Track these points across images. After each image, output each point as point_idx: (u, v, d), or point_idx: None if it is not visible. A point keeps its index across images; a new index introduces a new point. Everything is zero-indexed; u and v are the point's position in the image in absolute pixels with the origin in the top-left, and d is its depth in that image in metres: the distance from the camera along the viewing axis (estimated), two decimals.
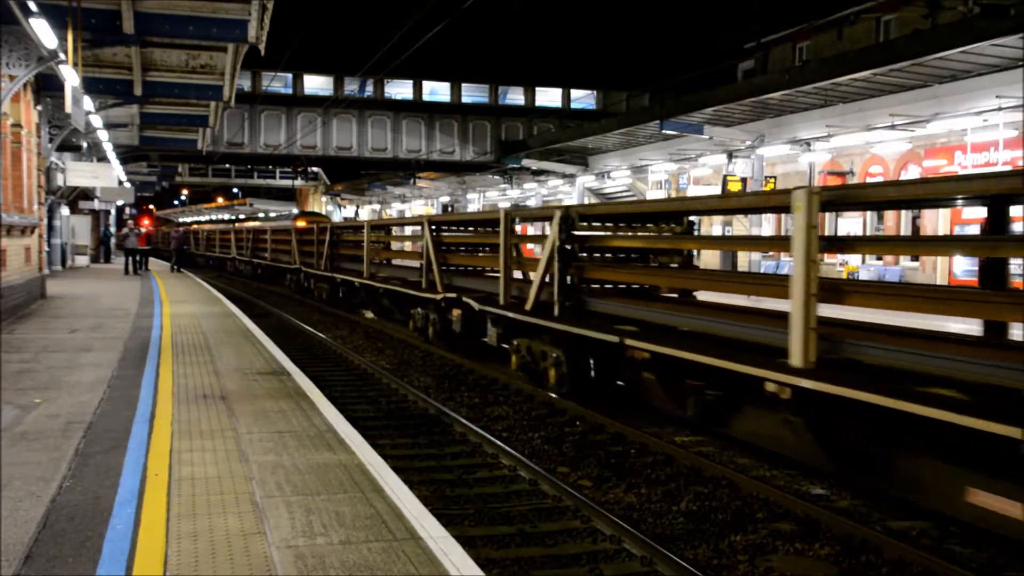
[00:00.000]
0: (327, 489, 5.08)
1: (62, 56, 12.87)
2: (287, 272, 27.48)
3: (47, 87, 18.09)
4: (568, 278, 9.61)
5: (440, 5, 17.59)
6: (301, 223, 32.80)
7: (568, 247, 9.54)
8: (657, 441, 8.06)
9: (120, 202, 42.02)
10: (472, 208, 48.79)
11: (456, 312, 12.71)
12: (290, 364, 9.88)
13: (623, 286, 10.38)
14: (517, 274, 11.32)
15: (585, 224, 9.99)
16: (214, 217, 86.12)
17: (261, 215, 74.30)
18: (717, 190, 27.34)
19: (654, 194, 33.46)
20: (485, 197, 48.61)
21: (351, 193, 65.13)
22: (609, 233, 10.66)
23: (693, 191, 31.59)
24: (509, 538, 5.74)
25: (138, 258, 29.29)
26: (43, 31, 11.41)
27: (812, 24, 34.19)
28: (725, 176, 26.40)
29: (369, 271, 17.83)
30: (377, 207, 65.12)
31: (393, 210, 62.54)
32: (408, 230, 24.45)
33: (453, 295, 12.64)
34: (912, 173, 22.37)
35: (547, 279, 9.77)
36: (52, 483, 5.10)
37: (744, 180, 25.84)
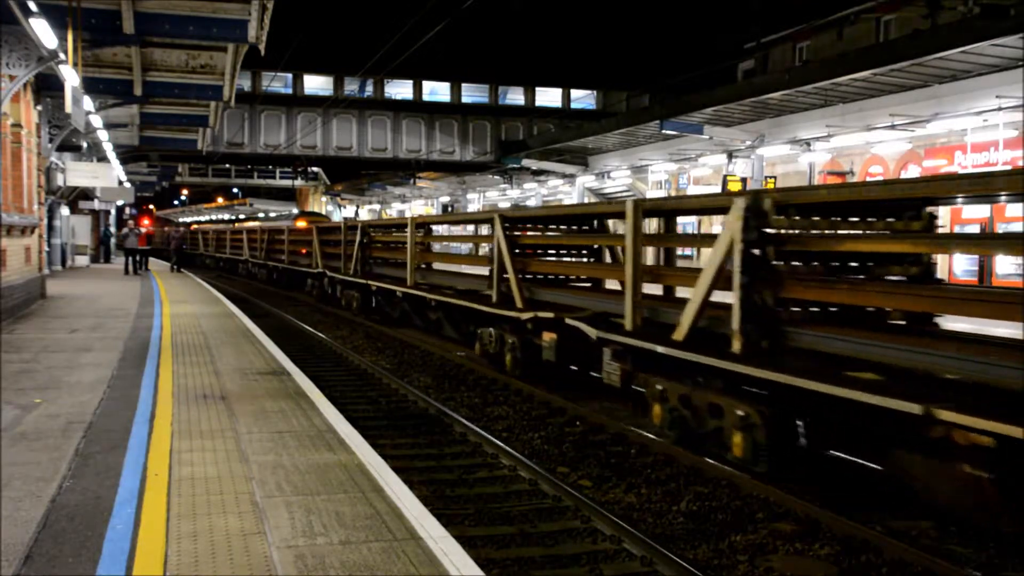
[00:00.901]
0: (327, 489, 5.08)
1: (62, 56, 12.87)
2: (308, 277, 24.39)
3: (47, 87, 18.09)
4: (758, 297, 6.66)
5: (440, 5, 17.54)
6: (301, 223, 32.67)
7: (757, 251, 6.67)
8: (657, 441, 8.05)
9: (120, 202, 42.03)
10: (472, 207, 48.74)
11: (549, 337, 9.93)
12: (290, 364, 9.88)
13: (823, 308, 7.19)
14: (650, 288, 8.76)
15: (782, 218, 6.81)
16: (216, 217, 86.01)
17: (261, 215, 74.30)
18: (718, 190, 27.33)
19: (653, 194, 33.40)
20: (485, 197, 48.61)
21: (351, 193, 65.14)
22: (833, 232, 7.23)
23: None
24: (509, 538, 5.74)
25: (138, 258, 29.29)
26: (43, 31, 11.41)
27: (812, 24, 34.18)
28: (725, 176, 26.41)
29: (415, 279, 14.88)
30: (377, 207, 65.10)
31: (393, 210, 62.51)
32: (451, 228, 24.07)
33: (548, 315, 9.72)
34: (912, 173, 22.36)
35: (711, 296, 7.22)
36: (52, 483, 5.10)
37: (744, 180, 25.84)
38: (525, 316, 10.24)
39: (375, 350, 14.65)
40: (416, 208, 59.40)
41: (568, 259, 12.22)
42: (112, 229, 41.76)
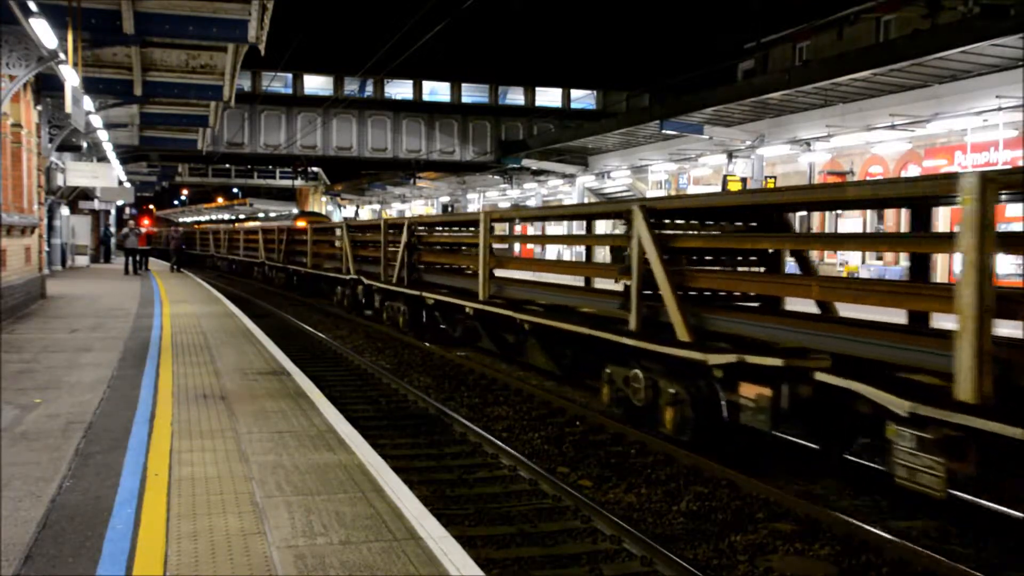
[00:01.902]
0: (327, 489, 5.08)
1: (62, 56, 12.88)
2: (337, 284, 20.96)
3: (47, 87, 18.09)
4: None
5: (440, 5, 17.53)
6: (301, 223, 32.35)
7: None
8: (657, 441, 8.06)
9: (120, 202, 42.04)
10: (472, 207, 48.63)
11: (757, 393, 6.71)
12: (290, 364, 9.88)
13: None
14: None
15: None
16: (215, 217, 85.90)
17: (261, 215, 74.29)
18: (718, 189, 27.34)
19: (653, 194, 33.42)
20: (485, 197, 48.62)
21: (351, 193, 65.17)
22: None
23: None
24: (509, 538, 5.73)
25: (138, 258, 29.30)
26: (43, 31, 11.41)
27: (812, 24, 34.21)
28: (725, 176, 26.42)
29: (489, 290, 11.90)
30: (377, 207, 65.08)
31: (393, 210, 62.50)
32: (536, 227, 22.69)
33: (769, 361, 6.51)
34: (912, 173, 22.37)
35: None
36: (52, 483, 5.09)
37: (744, 180, 25.85)
38: (714, 360, 6.92)
39: (375, 350, 14.65)
40: (416, 208, 59.29)
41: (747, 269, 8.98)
42: (112, 229, 41.77)
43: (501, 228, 31.80)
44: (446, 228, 16.63)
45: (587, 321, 9.15)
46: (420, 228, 15.97)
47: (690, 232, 8.96)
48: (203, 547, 4.14)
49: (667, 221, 8.62)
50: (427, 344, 14.42)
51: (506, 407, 9.90)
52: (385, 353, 14.28)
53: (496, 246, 12.46)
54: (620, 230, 9.13)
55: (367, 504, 4.83)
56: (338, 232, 21.61)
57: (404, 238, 15.43)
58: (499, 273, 12.30)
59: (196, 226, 61.76)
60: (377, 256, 17.43)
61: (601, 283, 10.91)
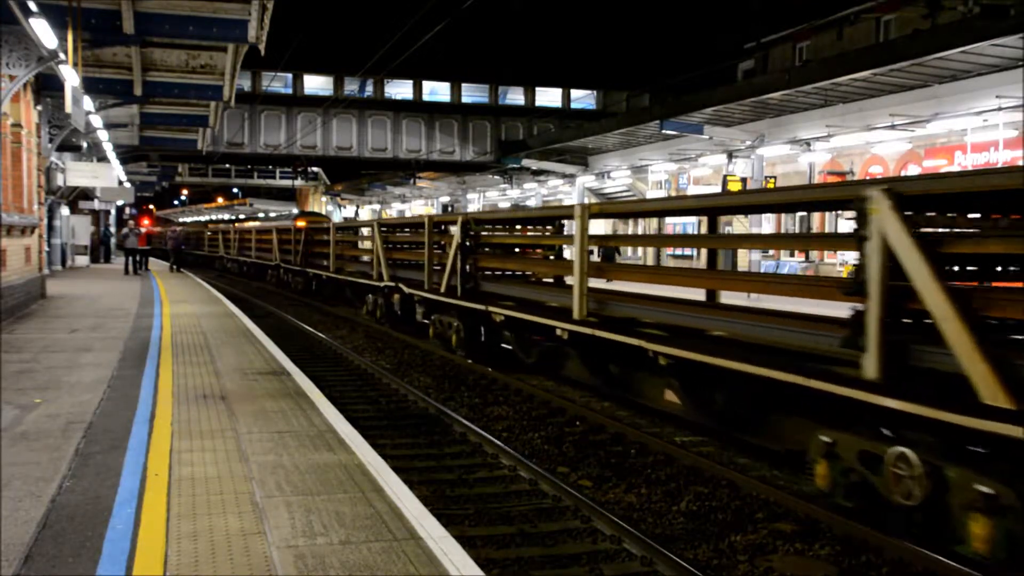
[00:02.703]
0: (327, 489, 5.08)
1: (62, 56, 12.88)
2: (368, 291, 18.19)
3: (47, 87, 18.10)
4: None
5: (440, 5, 17.53)
6: (301, 222, 32.05)
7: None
8: (657, 441, 8.06)
9: (120, 202, 42.04)
10: (472, 207, 48.41)
11: None
12: (290, 364, 9.88)
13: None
14: None
15: None
16: (216, 216, 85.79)
17: (261, 215, 74.26)
18: (718, 189, 27.33)
19: (653, 194, 33.41)
20: (485, 197, 48.60)
21: (351, 193, 65.17)
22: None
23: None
24: (509, 538, 5.74)
25: (138, 258, 29.31)
26: (43, 31, 11.41)
27: (812, 24, 34.21)
28: (725, 176, 26.42)
29: (586, 307, 9.07)
30: (377, 207, 65.06)
31: (393, 210, 62.45)
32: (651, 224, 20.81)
33: None
34: (912, 172, 22.37)
35: None
36: (52, 483, 5.10)
37: (744, 180, 25.86)
38: None
39: (375, 350, 14.64)
40: (416, 208, 59.15)
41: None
42: (112, 229, 41.76)
43: (599, 225, 28.71)
44: (513, 226, 13.96)
45: (771, 360, 6.39)
46: (481, 226, 12.85)
47: (969, 231, 6.01)
48: (203, 547, 4.14)
49: (929, 214, 5.87)
50: (490, 369, 11.88)
51: (506, 407, 9.90)
52: (385, 353, 14.28)
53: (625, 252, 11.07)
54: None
55: (367, 504, 4.83)
56: (366, 231, 19.93)
57: (457, 239, 12.48)
58: (602, 284, 10.49)
59: (208, 225, 58.24)
60: (418, 260, 14.85)
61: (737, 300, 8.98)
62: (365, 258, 19.04)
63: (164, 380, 8.55)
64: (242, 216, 79.23)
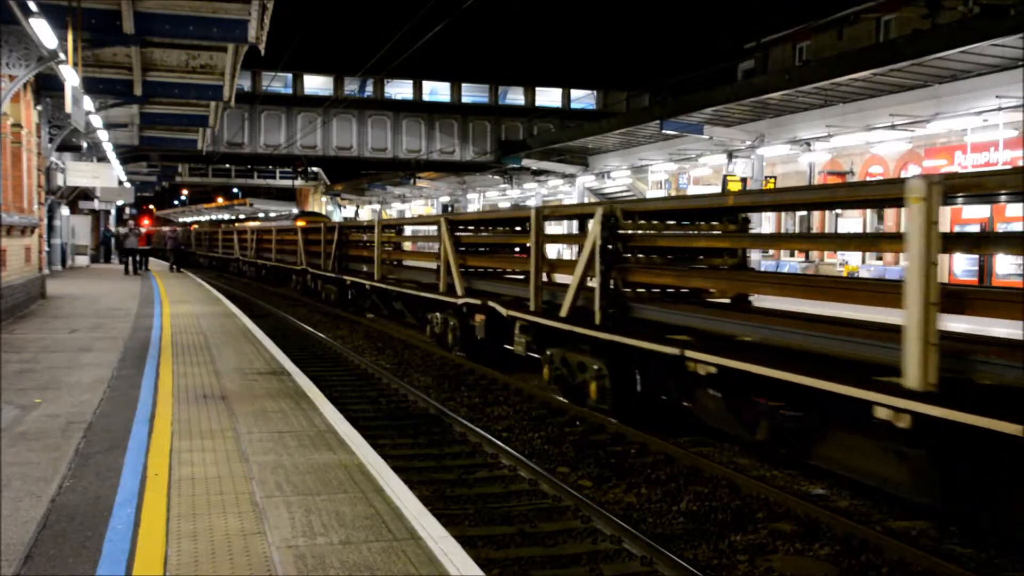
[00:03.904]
0: (327, 489, 5.08)
1: (62, 56, 12.87)
2: (431, 307, 14.12)
3: (47, 87, 18.09)
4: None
5: (440, 5, 17.54)
6: (302, 222, 31.87)
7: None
8: (657, 441, 8.06)
9: (120, 202, 42.02)
10: (472, 207, 48.24)
11: None
12: (290, 364, 9.87)
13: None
14: None
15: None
16: (216, 216, 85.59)
17: (261, 215, 74.21)
18: (718, 189, 27.34)
19: (653, 194, 33.40)
20: (485, 197, 48.57)
21: (351, 193, 65.15)
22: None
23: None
24: (509, 538, 5.74)
25: (138, 258, 29.32)
26: (43, 31, 11.41)
27: (812, 24, 34.22)
28: (725, 176, 26.43)
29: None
30: (377, 207, 65.03)
31: (393, 210, 62.40)
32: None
33: None
34: (912, 173, 22.38)
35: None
36: (52, 483, 5.09)
37: (744, 180, 25.86)
38: None
39: (375, 350, 14.64)
40: (416, 208, 59.02)
41: None
42: (113, 229, 41.76)
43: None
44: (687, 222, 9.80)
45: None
46: (635, 220, 9.03)
47: None
48: (203, 547, 4.14)
49: None
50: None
51: (506, 407, 9.90)
52: (385, 353, 14.28)
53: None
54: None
55: (367, 504, 4.83)
56: (424, 231, 17.43)
57: (593, 239, 8.64)
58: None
59: (220, 226, 53.45)
60: (512, 269, 12.35)
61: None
62: (423, 264, 15.60)
63: (164, 380, 8.55)
64: (242, 216, 79.13)
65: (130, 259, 28.94)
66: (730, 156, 27.36)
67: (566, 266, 10.23)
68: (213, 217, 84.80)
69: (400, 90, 42.04)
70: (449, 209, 49.90)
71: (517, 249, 12.32)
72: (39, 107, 18.80)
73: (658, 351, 7.52)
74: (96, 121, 19.15)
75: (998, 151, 19.59)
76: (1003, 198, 5.85)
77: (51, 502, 4.75)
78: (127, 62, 16.89)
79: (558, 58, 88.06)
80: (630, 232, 8.86)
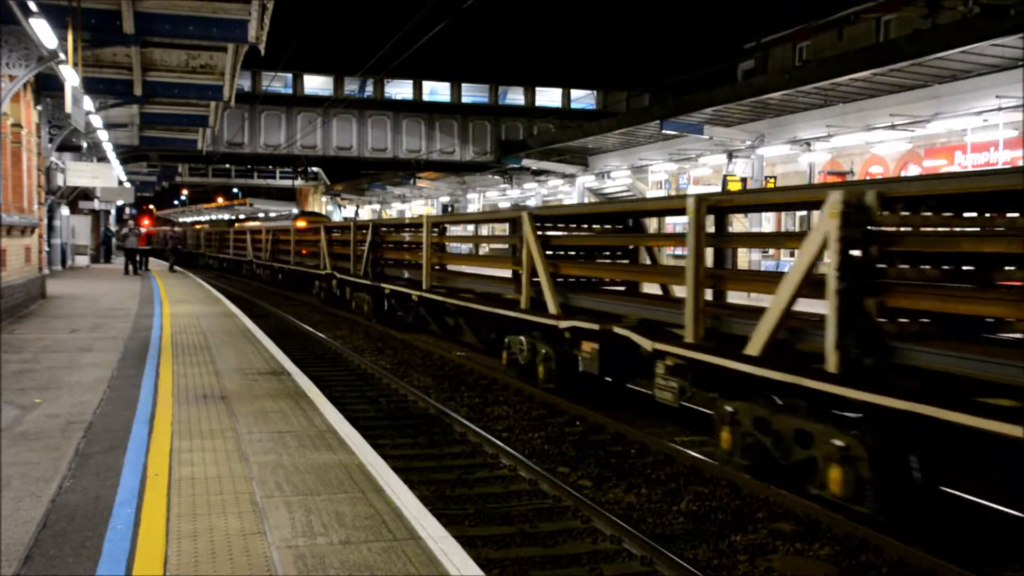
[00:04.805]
0: (327, 489, 5.08)
1: (62, 56, 12.87)
2: (498, 326, 11.91)
3: (47, 87, 18.09)
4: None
5: (440, 5, 17.54)
6: (301, 222, 31.64)
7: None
8: (657, 441, 8.06)
9: (120, 202, 42.01)
10: (472, 208, 48.14)
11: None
12: (290, 364, 9.88)
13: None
14: None
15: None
16: (215, 216, 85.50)
17: (261, 215, 74.20)
18: (718, 189, 27.34)
19: (653, 194, 33.40)
20: (485, 197, 48.56)
21: (351, 193, 65.12)
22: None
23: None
24: (509, 538, 5.74)
25: (138, 258, 29.32)
26: (43, 31, 11.41)
27: (812, 24, 34.21)
28: (725, 176, 26.42)
29: None
30: (377, 207, 65.01)
31: (393, 210, 62.39)
32: None
33: None
34: (912, 173, 22.36)
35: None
36: (52, 483, 5.09)
37: (744, 180, 25.86)
38: None
39: (375, 350, 14.64)
40: (416, 208, 59.08)
41: None
42: (113, 229, 41.75)
43: None
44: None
45: None
46: (895, 212, 5.90)
47: None
48: (203, 547, 4.14)
49: None
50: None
51: (506, 407, 9.89)
52: (385, 353, 14.28)
53: None
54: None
55: (367, 504, 4.83)
56: (489, 229, 15.28)
57: (822, 240, 5.90)
58: None
59: (234, 226, 49.77)
60: (643, 280, 10.47)
61: None
62: (489, 270, 13.39)
63: (164, 380, 8.55)
64: (242, 216, 79.07)
65: (130, 259, 28.94)
66: (730, 156, 27.35)
67: (747, 281, 7.85)
68: (221, 216, 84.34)
69: (400, 90, 42.03)
70: (449, 209, 49.84)
71: (617, 254, 10.54)
72: (39, 107, 18.80)
73: (983, 428, 4.67)
74: (96, 121, 19.14)
75: (998, 151, 19.58)
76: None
77: (51, 502, 4.75)
78: (127, 62, 16.89)
79: (558, 58, 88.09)
80: (893, 231, 5.84)
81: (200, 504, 4.76)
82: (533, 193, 44.10)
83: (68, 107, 13.71)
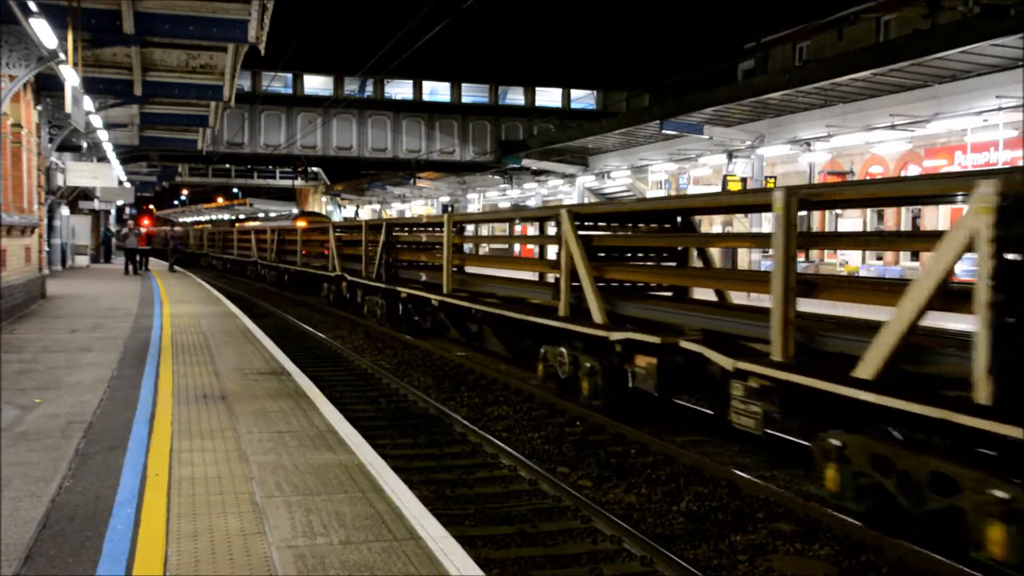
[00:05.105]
0: (327, 489, 5.08)
1: (62, 56, 12.87)
2: (531, 334, 10.53)
3: (47, 87, 18.10)
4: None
5: (440, 5, 17.53)
6: (302, 222, 31.62)
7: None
8: (657, 441, 8.05)
9: (120, 202, 42.01)
10: (472, 208, 48.11)
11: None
12: (290, 364, 9.87)
13: None
14: None
15: None
16: (215, 216, 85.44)
17: (261, 215, 74.20)
18: (719, 189, 27.33)
19: (653, 194, 33.38)
20: (485, 197, 48.56)
21: (351, 193, 65.14)
22: None
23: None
24: (509, 538, 5.73)
25: (138, 258, 29.32)
26: (43, 31, 11.41)
27: (812, 24, 34.23)
28: (725, 176, 26.43)
29: None
30: (377, 207, 64.99)
31: (393, 210, 62.37)
32: None
33: None
34: (912, 173, 22.36)
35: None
36: (52, 483, 5.09)
37: (744, 180, 25.86)
38: None
39: (375, 350, 14.64)
40: (416, 208, 59.00)
41: None
42: (113, 229, 41.75)
43: None
44: None
45: None
46: None
47: None
48: (203, 547, 4.13)
49: None
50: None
51: (506, 407, 9.89)
52: (385, 353, 14.28)
53: None
54: None
55: (367, 504, 4.83)
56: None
57: (965, 238, 4.81)
58: None
59: (236, 225, 48.37)
60: (725, 288, 9.01)
61: None
62: (516, 273, 12.56)
63: (164, 380, 8.55)
64: (242, 216, 79.05)
65: (130, 259, 28.94)
66: (730, 156, 27.36)
67: (851, 290, 6.49)
68: (221, 216, 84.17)
69: (400, 90, 42.05)
70: (450, 209, 49.66)
71: (664, 256, 9.52)
72: (39, 107, 18.80)
73: None
74: (96, 121, 19.15)
75: (998, 151, 19.58)
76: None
77: (51, 502, 4.75)
78: (127, 62, 16.89)
79: (558, 58, 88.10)
80: None
81: (200, 504, 4.76)
82: (533, 193, 44.12)
83: (68, 107, 13.71)
